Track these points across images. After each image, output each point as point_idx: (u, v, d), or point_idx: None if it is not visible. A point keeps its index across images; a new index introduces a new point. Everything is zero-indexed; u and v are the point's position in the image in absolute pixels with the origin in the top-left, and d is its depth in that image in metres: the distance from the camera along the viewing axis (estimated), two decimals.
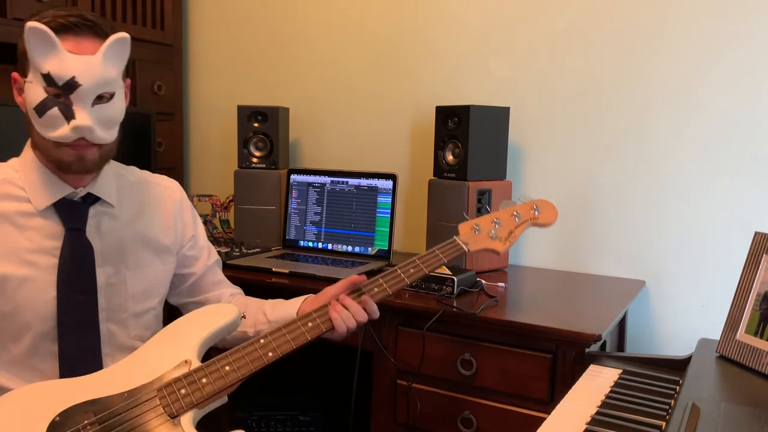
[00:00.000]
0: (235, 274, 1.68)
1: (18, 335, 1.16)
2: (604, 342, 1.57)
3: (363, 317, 1.24)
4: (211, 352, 1.21)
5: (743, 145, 1.75)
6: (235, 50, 2.49)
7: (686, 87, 1.80)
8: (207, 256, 1.43)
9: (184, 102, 2.57)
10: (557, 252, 1.99)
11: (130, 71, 2.29)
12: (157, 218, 1.32)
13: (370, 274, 1.77)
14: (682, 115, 1.81)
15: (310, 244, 2.08)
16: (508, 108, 1.91)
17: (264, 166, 2.15)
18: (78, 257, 1.18)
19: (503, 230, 1.39)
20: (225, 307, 1.24)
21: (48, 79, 1.07)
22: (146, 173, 1.37)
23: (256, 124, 2.15)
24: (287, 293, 1.43)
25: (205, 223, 2.25)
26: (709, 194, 1.79)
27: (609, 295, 1.71)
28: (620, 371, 1.20)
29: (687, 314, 1.83)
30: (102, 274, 1.21)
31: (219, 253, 1.49)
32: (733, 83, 1.75)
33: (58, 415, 1.03)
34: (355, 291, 1.27)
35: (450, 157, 1.88)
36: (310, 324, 1.20)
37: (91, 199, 1.21)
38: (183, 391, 1.08)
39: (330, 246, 2.04)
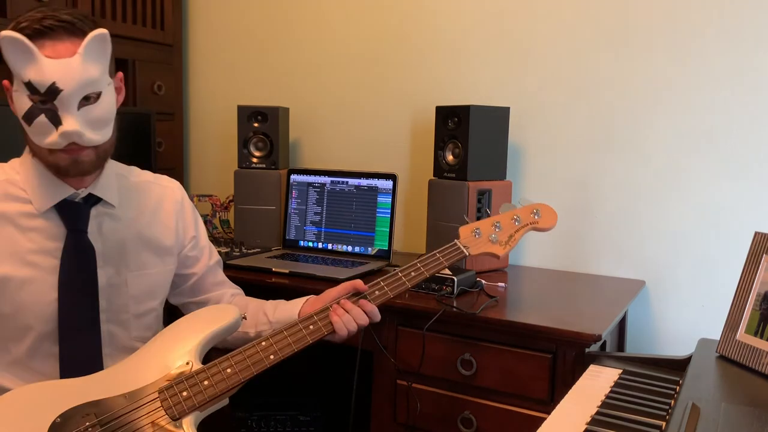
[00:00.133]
0: (235, 274, 1.68)
1: (19, 336, 1.16)
2: (604, 342, 1.57)
3: (364, 321, 1.24)
4: (212, 352, 1.21)
5: (743, 145, 1.75)
6: (235, 50, 2.49)
7: (686, 87, 1.80)
8: (208, 257, 1.43)
9: (184, 102, 2.57)
10: (557, 252, 1.99)
11: (130, 71, 2.29)
12: (159, 219, 1.32)
13: (370, 274, 1.77)
14: (682, 115, 1.81)
15: (310, 244, 2.08)
16: (508, 108, 1.91)
17: (264, 166, 2.15)
18: (79, 258, 1.18)
19: (503, 234, 1.39)
20: (226, 308, 1.24)
21: (30, 87, 1.06)
22: (147, 173, 1.36)
23: (256, 124, 2.15)
24: (287, 293, 1.44)
25: (205, 223, 2.25)
26: (709, 194, 1.79)
27: (609, 295, 1.72)
28: (620, 371, 1.20)
29: (687, 314, 1.83)
30: (103, 275, 1.21)
31: (219, 253, 1.49)
32: (734, 83, 1.75)
33: (59, 416, 1.03)
34: (356, 294, 1.27)
35: (450, 157, 1.88)
36: (311, 327, 1.20)
37: (93, 200, 1.21)
38: (185, 393, 1.08)
39: (330, 246, 2.04)
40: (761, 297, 1.09)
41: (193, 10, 2.56)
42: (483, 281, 1.69)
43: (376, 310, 1.26)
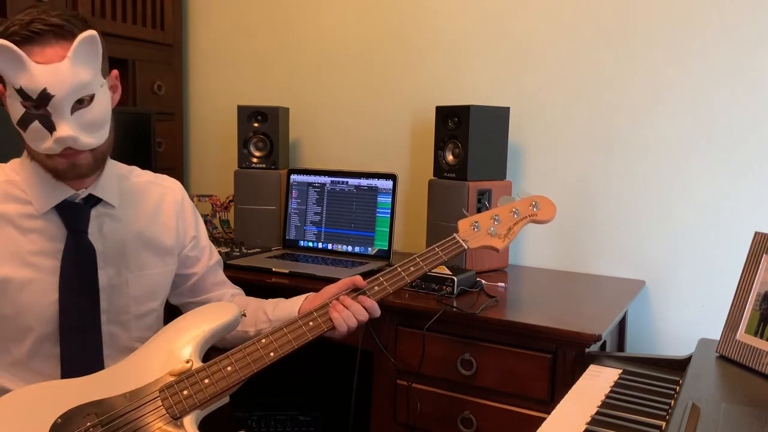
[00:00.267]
0: (235, 274, 1.68)
1: (19, 337, 1.16)
2: (604, 342, 1.57)
3: (364, 316, 1.24)
4: (211, 351, 1.21)
5: (743, 145, 1.75)
6: (235, 50, 2.49)
7: (686, 87, 1.80)
8: (208, 257, 1.43)
9: (184, 102, 2.57)
10: (557, 252, 1.99)
11: (129, 71, 2.29)
12: (159, 219, 1.32)
13: (370, 273, 1.77)
14: (682, 114, 1.81)
15: (310, 244, 2.08)
16: (508, 108, 1.92)
17: (264, 166, 2.15)
18: (80, 259, 1.18)
19: (502, 227, 1.39)
20: (225, 306, 1.24)
21: (22, 93, 1.05)
22: (148, 173, 1.36)
23: (256, 124, 2.15)
24: (287, 293, 1.44)
25: (205, 223, 2.25)
26: (709, 194, 1.79)
27: (609, 295, 1.72)
28: (620, 371, 1.20)
29: (687, 314, 1.83)
30: (104, 276, 1.21)
31: (219, 253, 1.50)
32: (734, 83, 1.75)
33: (60, 417, 1.03)
34: (356, 290, 1.27)
35: (450, 157, 1.88)
36: (311, 323, 1.20)
37: (93, 201, 1.21)
38: (185, 392, 1.08)
39: (330, 246, 2.05)
40: (761, 297, 1.10)
41: (193, 10, 2.56)
42: (483, 281, 1.69)
43: (376, 305, 1.26)
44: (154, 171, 1.40)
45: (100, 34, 1.09)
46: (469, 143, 1.82)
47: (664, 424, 0.96)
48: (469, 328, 1.49)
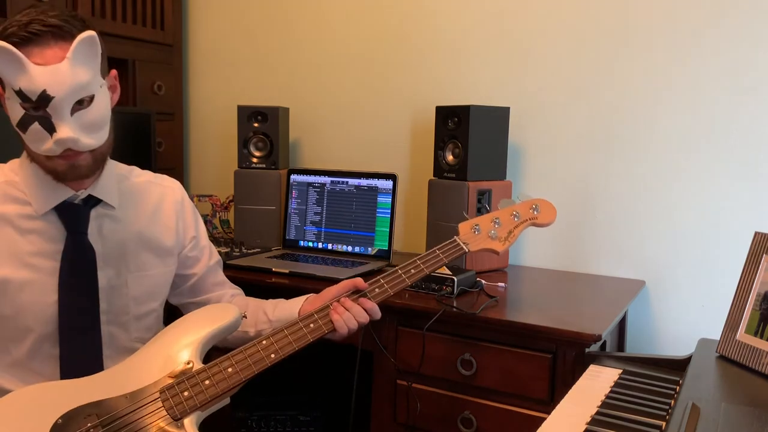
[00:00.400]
0: (235, 274, 1.68)
1: (19, 338, 1.16)
2: (604, 342, 1.58)
3: (364, 318, 1.24)
4: (212, 352, 1.21)
5: (743, 145, 1.75)
6: (235, 50, 2.49)
7: (686, 87, 1.80)
8: (208, 257, 1.43)
9: (184, 102, 2.57)
10: (557, 252, 1.99)
11: (130, 71, 2.29)
12: (159, 219, 1.32)
13: (370, 274, 1.77)
14: (682, 115, 1.81)
15: (310, 244, 2.08)
16: (508, 108, 1.92)
17: (264, 166, 2.15)
18: (79, 260, 1.18)
19: (503, 230, 1.39)
20: (226, 307, 1.24)
21: (21, 95, 1.04)
22: (148, 173, 1.36)
23: (256, 124, 2.15)
24: (287, 293, 1.44)
25: (205, 223, 2.25)
26: (709, 194, 1.79)
27: (609, 295, 1.72)
28: (620, 371, 1.20)
29: (687, 314, 1.83)
30: (103, 277, 1.21)
31: (219, 253, 1.50)
32: (733, 83, 1.75)
33: (61, 417, 1.03)
34: (356, 292, 1.27)
35: (450, 157, 1.88)
36: (312, 325, 1.20)
37: (93, 202, 1.21)
38: (186, 393, 1.08)
39: (330, 246, 2.05)
40: (761, 297, 1.10)
41: (193, 10, 2.56)
42: (483, 281, 1.69)
43: (377, 307, 1.26)
44: (154, 171, 1.39)
45: (98, 34, 1.09)
46: (469, 143, 1.82)
47: (664, 424, 0.96)
48: (469, 328, 1.49)
